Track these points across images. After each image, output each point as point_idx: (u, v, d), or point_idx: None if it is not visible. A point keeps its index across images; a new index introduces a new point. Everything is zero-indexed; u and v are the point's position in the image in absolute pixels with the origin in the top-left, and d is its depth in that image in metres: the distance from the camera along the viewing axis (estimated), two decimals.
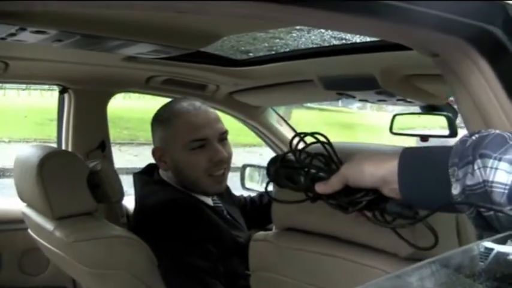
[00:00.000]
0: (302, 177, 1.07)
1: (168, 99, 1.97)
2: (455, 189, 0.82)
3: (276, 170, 1.11)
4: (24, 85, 11.73)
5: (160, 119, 1.87)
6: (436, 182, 0.86)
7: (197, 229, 1.70)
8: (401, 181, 0.90)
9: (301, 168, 1.07)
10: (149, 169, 1.98)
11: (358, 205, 0.98)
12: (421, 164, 0.90)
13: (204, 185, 1.83)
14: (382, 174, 0.93)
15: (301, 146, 1.11)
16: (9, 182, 2.04)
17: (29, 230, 1.93)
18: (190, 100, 1.88)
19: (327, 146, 1.08)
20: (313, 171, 1.05)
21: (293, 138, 1.10)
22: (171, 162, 1.84)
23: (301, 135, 1.11)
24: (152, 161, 1.96)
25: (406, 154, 0.91)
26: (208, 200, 1.91)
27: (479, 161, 0.79)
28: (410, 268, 0.60)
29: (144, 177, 1.95)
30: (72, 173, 1.74)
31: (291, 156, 1.09)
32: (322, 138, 1.10)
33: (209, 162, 1.80)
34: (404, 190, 0.90)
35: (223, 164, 1.83)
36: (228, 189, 2.13)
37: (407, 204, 0.93)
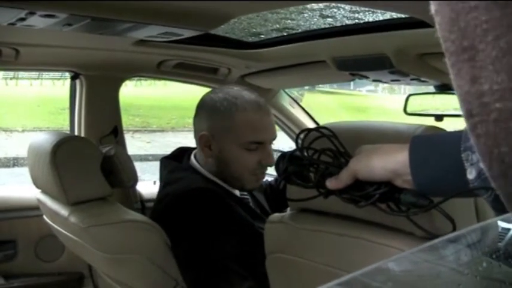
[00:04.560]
0: (312, 173, 1.06)
1: (181, 84, 1.96)
2: (471, 174, 0.80)
3: (286, 168, 1.09)
4: (37, 75, 11.81)
5: (217, 107, 1.80)
6: (450, 169, 0.84)
7: (219, 221, 1.68)
8: (414, 172, 0.88)
9: (310, 164, 1.06)
10: (179, 154, 1.96)
11: (371, 198, 0.97)
12: (433, 153, 0.88)
13: (245, 182, 1.84)
14: (393, 167, 0.91)
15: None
16: (24, 171, 2.04)
17: (44, 216, 1.94)
18: (251, 93, 1.84)
19: (334, 140, 1.06)
20: (322, 166, 1.04)
21: (299, 134, 1.09)
22: (218, 152, 1.81)
23: (307, 131, 1.10)
24: (164, 147, 1.94)
25: (416, 144, 0.89)
26: (235, 191, 1.89)
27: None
28: (426, 246, 0.59)
29: (172, 163, 1.92)
30: (85, 159, 1.74)
31: (298, 153, 1.08)
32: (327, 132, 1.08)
33: (258, 163, 1.81)
34: (418, 180, 0.88)
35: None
36: None
37: (422, 193, 0.91)
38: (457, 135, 0.83)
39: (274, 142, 1.88)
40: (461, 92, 0.29)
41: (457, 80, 0.29)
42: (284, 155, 1.12)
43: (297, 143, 1.08)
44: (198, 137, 1.84)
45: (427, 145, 0.89)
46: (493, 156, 0.29)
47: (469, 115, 0.29)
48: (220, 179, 1.85)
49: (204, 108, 1.84)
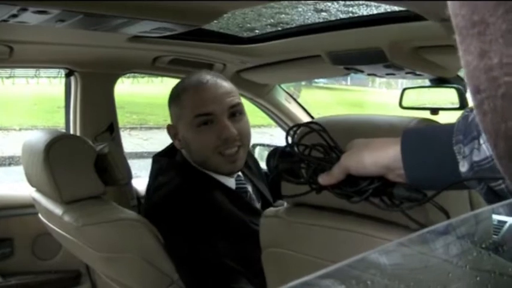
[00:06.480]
0: (303, 170, 1.05)
1: (176, 80, 1.94)
2: (463, 167, 0.80)
3: (277, 165, 1.08)
4: (33, 73, 11.79)
5: (172, 96, 1.81)
6: (442, 162, 0.83)
7: (207, 220, 1.64)
8: (407, 166, 0.87)
9: (301, 161, 1.05)
10: (171, 149, 1.91)
11: (364, 194, 0.96)
12: (425, 146, 0.87)
13: (215, 164, 1.75)
14: (385, 162, 0.91)
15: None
16: (20, 169, 2.04)
17: (39, 215, 1.93)
18: (203, 73, 1.80)
19: (324, 135, 1.05)
20: (313, 163, 1.03)
21: (289, 131, 1.08)
22: (183, 140, 1.79)
23: (296, 127, 1.09)
24: (161, 144, 1.93)
25: (407, 138, 0.88)
26: (230, 182, 1.82)
27: (484, 135, 0.76)
28: (416, 235, 0.58)
29: (161, 160, 1.88)
30: (79, 157, 1.73)
31: (289, 149, 1.07)
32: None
33: (217, 139, 1.71)
34: (411, 175, 0.88)
35: (233, 141, 1.73)
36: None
37: (415, 187, 0.91)
38: (449, 128, 0.82)
39: (242, 111, 1.80)
40: (469, 69, 0.29)
41: (465, 56, 0.29)
42: (275, 151, 1.11)
43: (287, 139, 1.07)
44: (167, 131, 1.84)
45: (419, 139, 0.89)
46: (499, 133, 0.28)
47: (476, 91, 0.28)
48: (204, 168, 1.79)
49: (168, 102, 1.84)
